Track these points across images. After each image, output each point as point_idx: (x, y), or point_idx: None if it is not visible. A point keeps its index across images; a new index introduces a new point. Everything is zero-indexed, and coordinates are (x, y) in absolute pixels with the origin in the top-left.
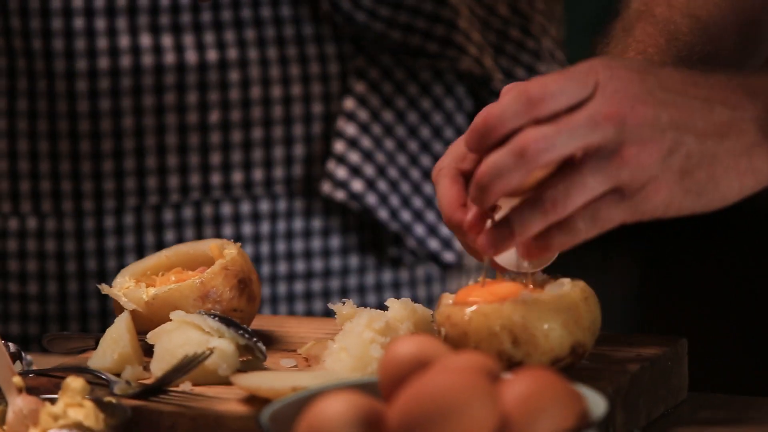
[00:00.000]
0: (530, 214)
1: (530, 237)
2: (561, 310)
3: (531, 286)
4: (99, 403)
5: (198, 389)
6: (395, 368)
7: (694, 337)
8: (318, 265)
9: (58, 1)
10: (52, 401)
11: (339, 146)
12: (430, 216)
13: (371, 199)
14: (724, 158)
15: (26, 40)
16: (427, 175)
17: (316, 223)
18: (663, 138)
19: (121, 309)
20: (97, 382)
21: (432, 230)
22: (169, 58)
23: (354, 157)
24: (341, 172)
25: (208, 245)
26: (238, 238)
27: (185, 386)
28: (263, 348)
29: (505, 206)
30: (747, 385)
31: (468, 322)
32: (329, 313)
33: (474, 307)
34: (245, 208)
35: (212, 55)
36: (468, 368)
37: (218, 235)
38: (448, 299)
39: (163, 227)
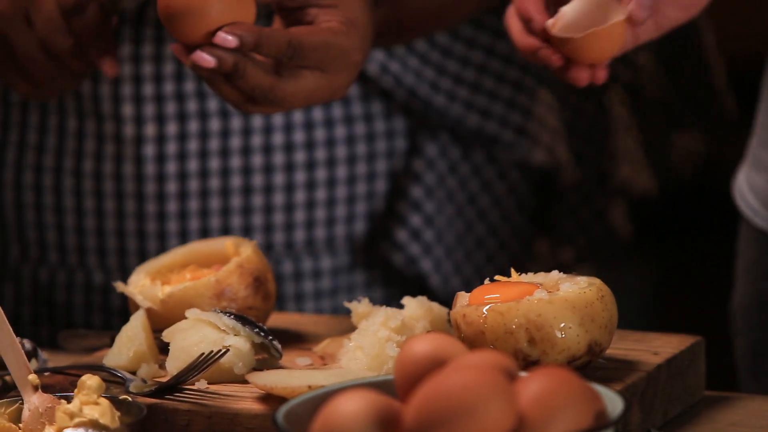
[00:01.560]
0: None
1: None
2: (577, 308)
3: None
4: (114, 401)
5: (213, 387)
6: (411, 367)
7: (711, 336)
8: None
9: (129, 69)
10: (68, 399)
11: (402, 208)
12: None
13: (426, 264)
14: None
15: (96, 104)
16: (479, 244)
17: (378, 285)
18: None
19: (137, 307)
20: (112, 380)
21: None
22: (235, 123)
23: (416, 220)
24: (402, 235)
25: (224, 243)
26: (299, 297)
27: (201, 384)
28: (279, 346)
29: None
30: (764, 384)
31: (484, 321)
32: (345, 312)
33: (490, 306)
34: (306, 265)
35: (278, 119)
36: (484, 367)
37: (281, 294)
38: (464, 298)
39: None
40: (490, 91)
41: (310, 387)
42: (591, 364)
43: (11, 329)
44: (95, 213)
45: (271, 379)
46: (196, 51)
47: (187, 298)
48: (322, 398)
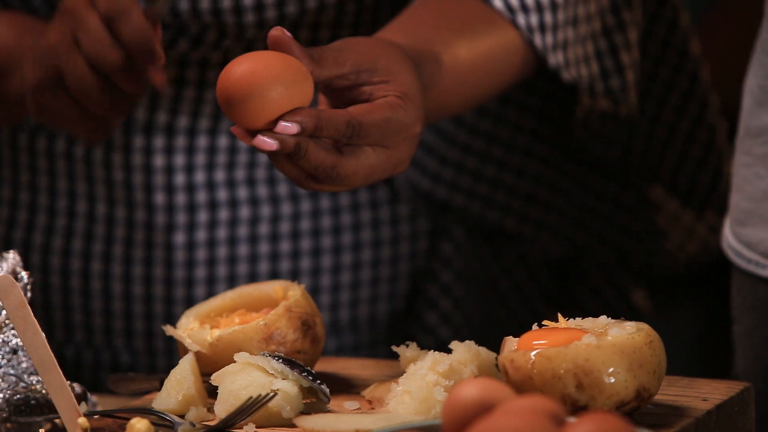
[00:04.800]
0: None
1: None
2: (626, 353)
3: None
4: None
5: (261, 431)
6: (459, 411)
7: (761, 382)
8: None
9: (161, 160)
10: None
11: (433, 292)
12: None
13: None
14: None
15: (128, 191)
16: (499, 328)
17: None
18: None
19: (186, 350)
20: (161, 424)
21: None
22: (264, 210)
23: (446, 304)
24: (432, 318)
25: (272, 287)
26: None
27: (249, 428)
28: (327, 390)
29: None
30: None
31: (532, 366)
32: (393, 356)
33: (538, 351)
34: (330, 344)
35: (305, 206)
36: (532, 412)
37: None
38: (512, 343)
39: None
40: (510, 187)
41: (357, 431)
42: (639, 410)
43: (61, 372)
44: (123, 297)
45: (319, 423)
46: (258, 135)
47: (236, 342)
48: None
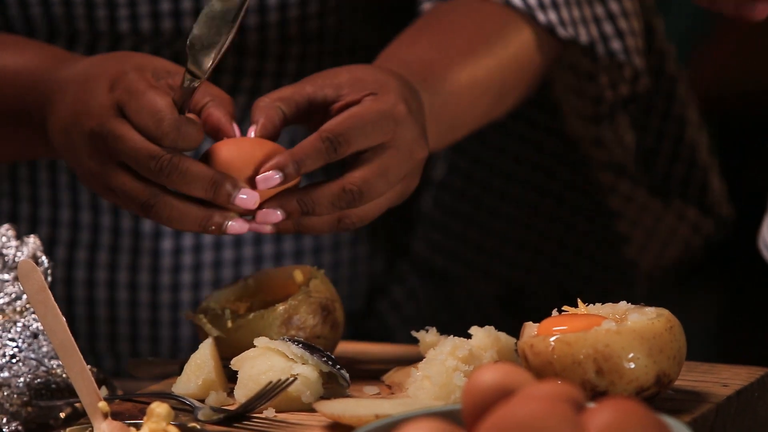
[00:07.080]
0: None
1: None
2: (646, 339)
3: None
4: (183, 429)
5: (281, 416)
6: (478, 397)
7: None
8: None
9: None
10: (137, 426)
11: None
12: None
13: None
14: None
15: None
16: (462, 320)
17: None
18: None
19: (206, 335)
20: (181, 408)
21: None
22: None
23: (398, 292)
24: (383, 306)
25: (292, 272)
26: None
27: (268, 413)
28: (346, 375)
29: None
30: None
31: (552, 351)
32: (413, 341)
33: (558, 336)
34: None
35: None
36: (552, 397)
37: None
38: (532, 328)
39: None
40: (497, 252)
41: (377, 416)
42: (659, 396)
43: (81, 357)
44: (129, 322)
45: (338, 408)
46: (257, 213)
47: (256, 327)
48: (390, 427)
